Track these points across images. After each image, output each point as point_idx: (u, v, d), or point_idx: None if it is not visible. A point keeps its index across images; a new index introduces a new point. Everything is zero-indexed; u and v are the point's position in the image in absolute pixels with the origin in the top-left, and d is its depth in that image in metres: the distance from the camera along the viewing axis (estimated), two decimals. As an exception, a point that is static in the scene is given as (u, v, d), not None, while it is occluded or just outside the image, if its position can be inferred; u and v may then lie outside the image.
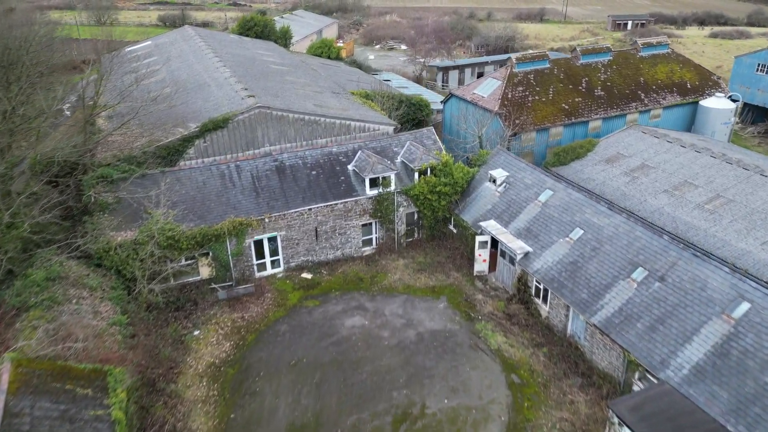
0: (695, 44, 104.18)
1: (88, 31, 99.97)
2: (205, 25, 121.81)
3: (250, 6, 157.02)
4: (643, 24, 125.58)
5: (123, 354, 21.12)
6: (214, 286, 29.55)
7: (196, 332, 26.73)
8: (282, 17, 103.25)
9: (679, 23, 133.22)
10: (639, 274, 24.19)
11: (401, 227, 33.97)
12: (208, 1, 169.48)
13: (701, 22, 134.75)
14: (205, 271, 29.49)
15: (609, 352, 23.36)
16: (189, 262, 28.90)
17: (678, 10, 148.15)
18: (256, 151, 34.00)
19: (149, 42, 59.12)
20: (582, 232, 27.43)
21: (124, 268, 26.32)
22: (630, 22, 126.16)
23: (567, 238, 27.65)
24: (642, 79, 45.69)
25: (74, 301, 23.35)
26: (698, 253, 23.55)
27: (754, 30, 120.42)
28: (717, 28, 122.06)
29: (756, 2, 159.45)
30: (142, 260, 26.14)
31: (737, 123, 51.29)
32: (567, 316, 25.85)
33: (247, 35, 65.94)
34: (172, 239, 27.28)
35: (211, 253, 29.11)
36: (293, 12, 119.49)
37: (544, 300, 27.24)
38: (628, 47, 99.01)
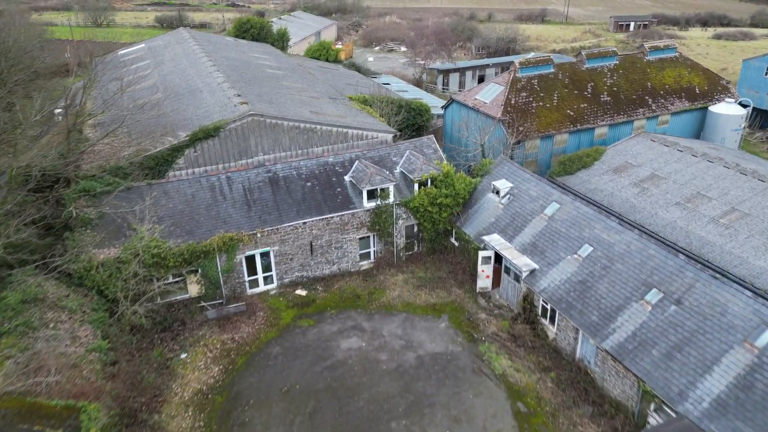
0: (699, 46, 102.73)
1: (83, 32, 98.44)
2: (202, 26, 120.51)
3: (249, 7, 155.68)
4: (645, 25, 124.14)
5: (101, 386, 19.65)
6: (203, 304, 28.08)
7: (183, 355, 25.25)
8: (280, 18, 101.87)
9: (682, 24, 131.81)
10: (653, 296, 22.71)
11: (400, 240, 32.51)
12: (206, 2, 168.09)
13: (704, 23, 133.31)
14: (193, 289, 28.01)
15: (622, 380, 21.89)
16: (176, 279, 27.42)
17: (680, 10, 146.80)
18: (250, 160, 32.56)
19: (142, 45, 57.71)
20: (591, 249, 25.96)
21: (107, 288, 24.83)
22: (632, 23, 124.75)
23: (575, 255, 26.18)
24: (649, 83, 44.21)
25: (51, 325, 21.89)
26: (717, 275, 22.08)
27: (758, 31, 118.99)
28: (720, 29, 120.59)
29: (759, 3, 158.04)
30: (126, 280, 24.63)
31: (746, 128, 49.79)
32: (576, 339, 24.38)
33: (243, 38, 64.45)
34: (158, 257, 25.80)
35: (200, 270, 27.64)
36: (291, 13, 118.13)
37: (552, 320, 25.77)
38: (631, 48, 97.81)
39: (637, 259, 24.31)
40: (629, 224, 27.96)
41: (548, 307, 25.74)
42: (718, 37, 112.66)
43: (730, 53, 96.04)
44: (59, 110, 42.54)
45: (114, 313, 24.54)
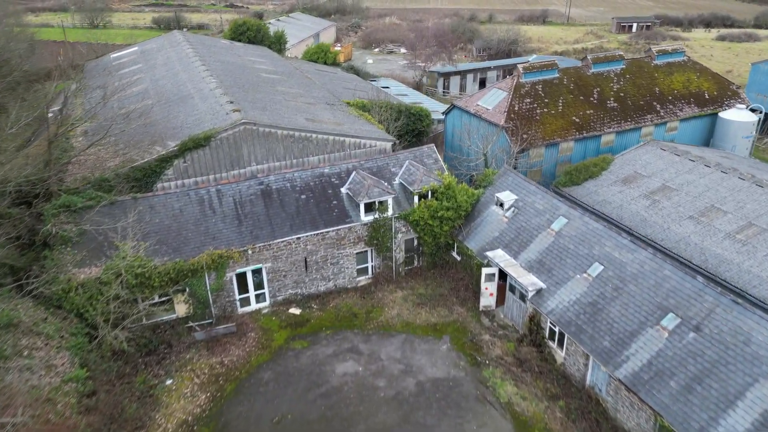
0: (703, 47, 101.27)
1: (76, 34, 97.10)
2: (200, 27, 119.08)
3: (247, 8, 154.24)
4: (648, 26, 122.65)
5: (75, 422, 18.20)
6: (191, 325, 26.59)
7: (169, 381, 23.75)
8: (278, 20, 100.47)
9: (685, 25, 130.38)
10: (670, 321, 21.23)
11: (399, 255, 31.02)
12: (204, 2, 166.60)
13: (707, 24, 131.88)
14: (181, 309, 26.52)
15: (637, 413, 20.41)
16: (162, 299, 25.92)
17: (683, 11, 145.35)
18: (242, 171, 31.09)
19: (135, 48, 56.26)
20: (602, 268, 24.47)
21: (86, 311, 23.30)
22: (635, 24, 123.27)
23: (585, 275, 24.70)
24: (657, 89, 42.75)
25: (26, 353, 20.40)
26: (739, 300, 20.59)
27: (762, 32, 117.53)
28: (724, 31, 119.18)
29: (763, 4, 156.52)
30: (107, 302, 23.12)
31: (756, 135, 48.31)
32: (586, 365, 22.89)
33: (239, 40, 62.99)
34: (142, 276, 24.30)
35: (187, 289, 26.15)
36: (290, 15, 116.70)
37: (560, 344, 24.29)
38: (634, 50, 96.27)
39: (651, 281, 22.83)
40: (641, 240, 26.53)
41: (556, 329, 24.26)
42: (722, 38, 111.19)
43: (735, 55, 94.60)
44: (50, 115, 41.06)
45: (94, 338, 23.04)
